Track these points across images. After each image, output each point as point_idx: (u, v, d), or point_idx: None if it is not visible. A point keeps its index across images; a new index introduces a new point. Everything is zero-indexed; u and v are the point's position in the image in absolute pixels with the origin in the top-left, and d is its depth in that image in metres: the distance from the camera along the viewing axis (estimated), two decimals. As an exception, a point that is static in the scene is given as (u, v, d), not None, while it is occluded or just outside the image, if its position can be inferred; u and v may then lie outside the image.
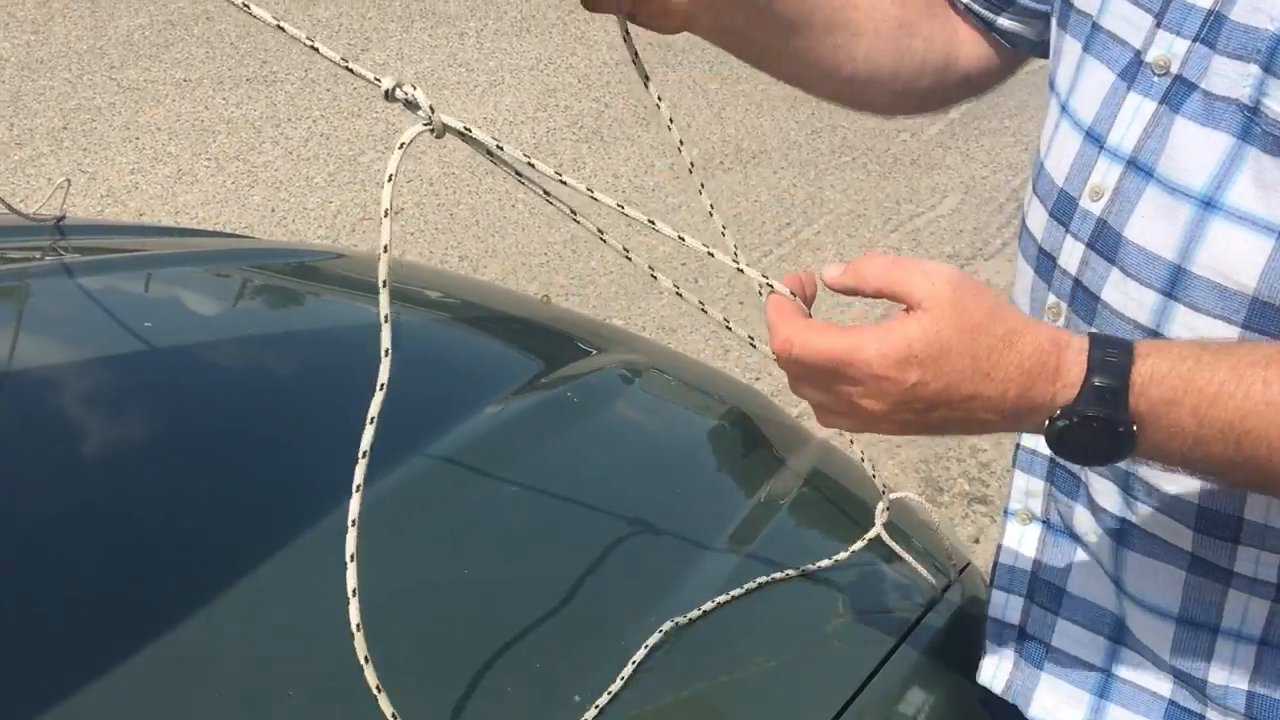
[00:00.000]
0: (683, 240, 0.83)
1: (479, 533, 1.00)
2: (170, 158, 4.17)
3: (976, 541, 2.38)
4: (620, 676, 0.84)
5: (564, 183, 0.76)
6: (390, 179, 0.67)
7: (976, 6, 1.02)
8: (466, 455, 1.07)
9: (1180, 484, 0.81)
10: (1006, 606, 0.93)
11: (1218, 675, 0.83)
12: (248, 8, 0.65)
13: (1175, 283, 0.77)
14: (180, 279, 1.47)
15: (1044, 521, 0.91)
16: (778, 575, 0.99)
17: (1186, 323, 0.77)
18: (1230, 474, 0.71)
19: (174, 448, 1.07)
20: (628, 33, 0.83)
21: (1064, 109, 0.87)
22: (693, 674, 0.89)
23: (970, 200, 3.91)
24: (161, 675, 0.81)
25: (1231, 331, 0.75)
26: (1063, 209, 0.85)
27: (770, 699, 0.90)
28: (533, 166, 0.76)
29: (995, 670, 0.94)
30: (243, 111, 4.50)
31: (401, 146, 0.67)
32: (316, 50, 0.66)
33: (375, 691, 0.73)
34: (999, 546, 0.94)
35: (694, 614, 0.92)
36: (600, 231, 0.78)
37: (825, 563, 1.00)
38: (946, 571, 1.06)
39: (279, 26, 0.67)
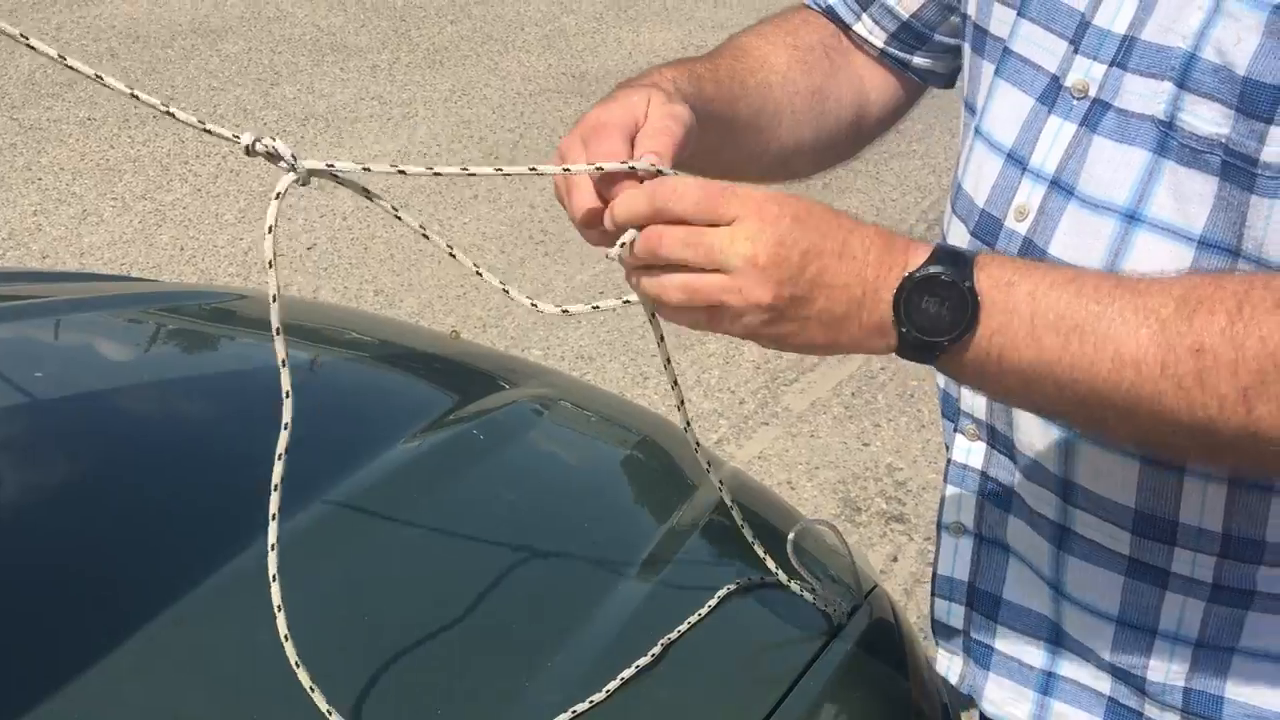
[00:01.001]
0: (453, 254, 0.83)
1: (385, 573, 0.99)
2: (75, 198, 4.08)
3: (895, 560, 2.41)
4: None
5: (398, 218, 0.76)
6: (270, 230, 0.67)
7: (892, 50, 1.04)
8: (372, 495, 1.06)
9: (1117, 488, 0.83)
10: (949, 614, 0.97)
11: (1156, 673, 0.86)
12: (100, 78, 0.65)
13: None
14: (77, 325, 1.44)
15: (976, 534, 0.94)
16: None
17: None
18: (1062, 384, 0.69)
19: (72, 494, 1.05)
20: (653, 316, 0.81)
21: (979, 132, 0.89)
22: (604, 703, 0.89)
23: (881, 222, 3.93)
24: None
25: None
26: (986, 229, 0.86)
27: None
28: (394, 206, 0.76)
29: (949, 665, 0.99)
30: (149, 149, 4.42)
31: (278, 196, 0.67)
32: (172, 115, 0.66)
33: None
34: (936, 557, 0.98)
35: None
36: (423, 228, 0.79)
37: (732, 589, 1.00)
38: (854, 595, 1.07)
39: (133, 95, 0.66)
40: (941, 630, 0.99)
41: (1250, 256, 0.74)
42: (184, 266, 3.66)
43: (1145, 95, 0.77)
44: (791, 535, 0.97)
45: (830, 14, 1.05)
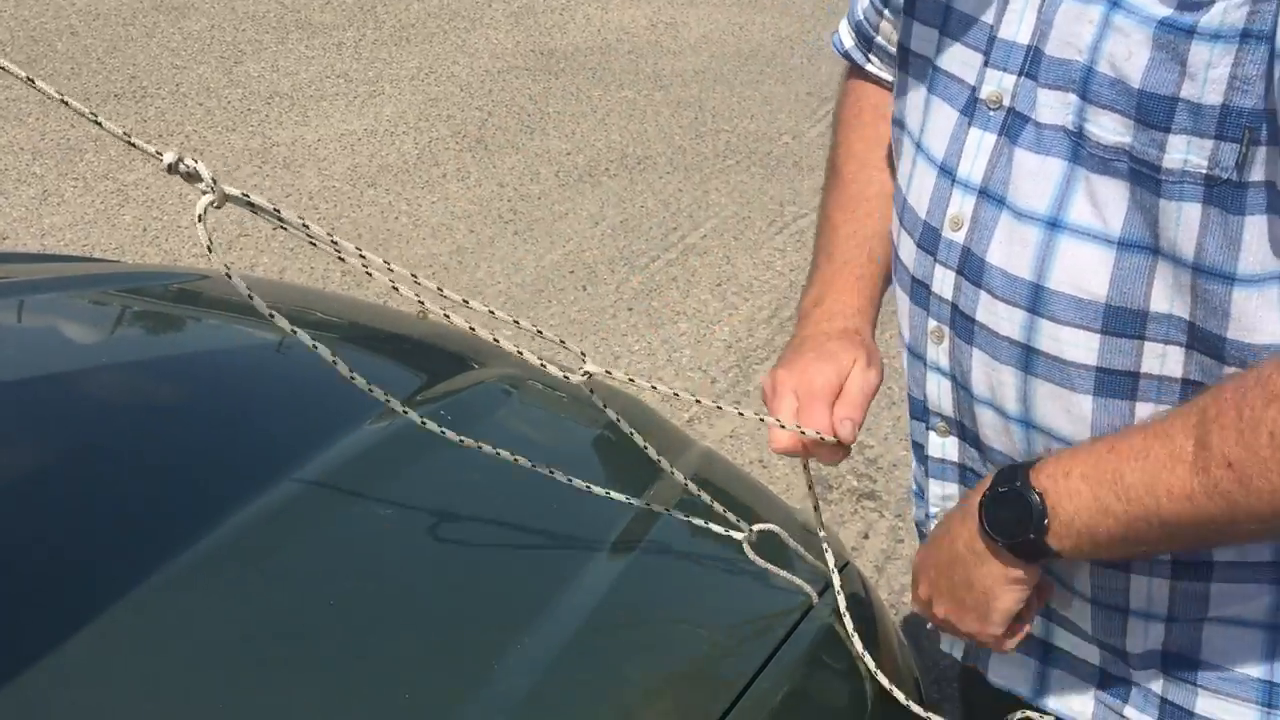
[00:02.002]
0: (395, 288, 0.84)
1: (350, 555, 0.98)
2: (35, 178, 4.02)
3: (865, 537, 2.42)
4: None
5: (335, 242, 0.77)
6: (209, 249, 0.67)
7: (871, 69, 1.10)
8: (337, 477, 1.05)
9: None
10: None
11: (1134, 646, 0.90)
12: (31, 81, 0.64)
13: (1037, 300, 0.83)
14: (37, 306, 1.41)
15: None
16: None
17: (1052, 334, 0.83)
18: (1150, 531, 0.77)
19: (33, 477, 1.03)
20: (811, 485, 1.04)
21: (919, 147, 0.92)
22: (573, 686, 0.88)
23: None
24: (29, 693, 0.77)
25: (1093, 339, 0.81)
26: (929, 240, 0.91)
27: (654, 707, 0.90)
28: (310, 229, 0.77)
29: (954, 640, 1.02)
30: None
31: (200, 220, 0.68)
32: (100, 124, 0.66)
33: None
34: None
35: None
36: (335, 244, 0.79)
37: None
38: (826, 572, 1.06)
39: (63, 101, 0.67)
40: None
41: (1167, 254, 0.77)
42: (147, 247, 3.62)
43: (1055, 107, 0.80)
44: (744, 536, 0.97)
45: (848, 58, 1.12)
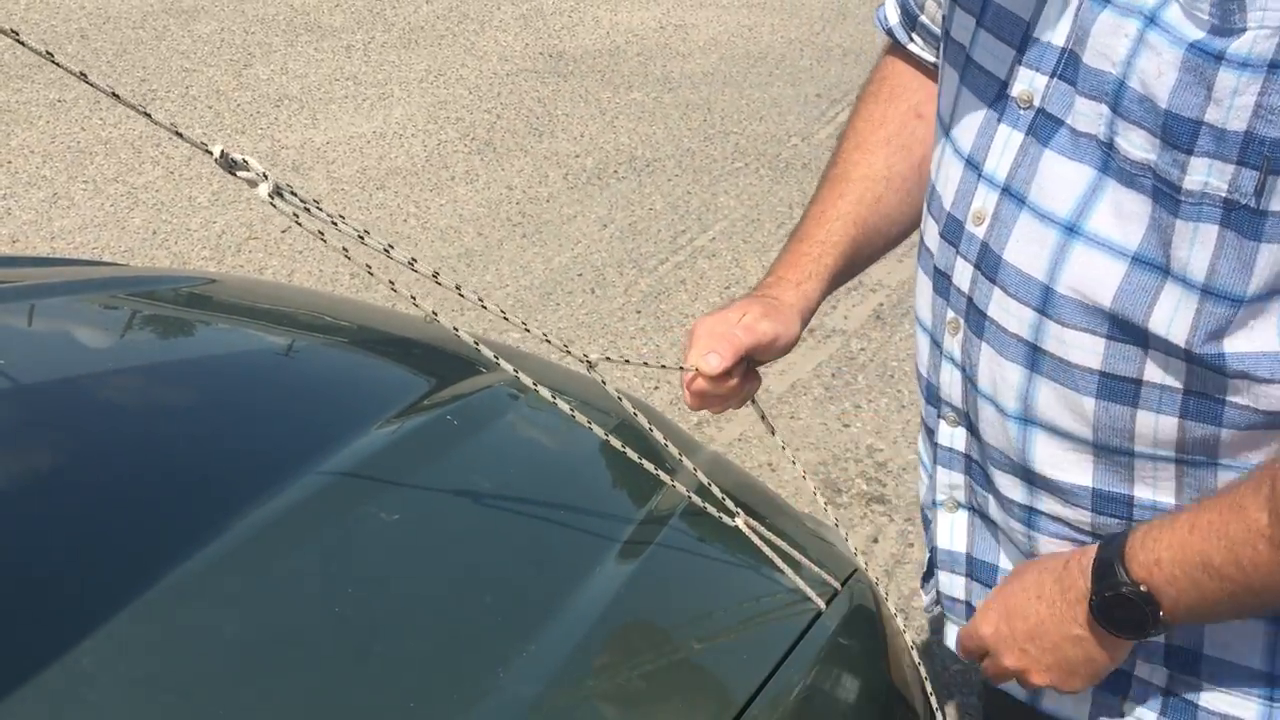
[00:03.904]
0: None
1: (358, 560, 0.98)
2: (45, 181, 4.03)
3: (875, 541, 2.41)
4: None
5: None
6: (297, 221, 0.67)
7: (913, 49, 1.09)
8: (345, 481, 1.04)
9: (1071, 472, 0.88)
10: (952, 585, 1.03)
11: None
12: (50, 55, 0.64)
13: (1046, 301, 0.84)
14: (47, 310, 1.41)
15: (969, 508, 0.99)
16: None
17: (1058, 336, 0.84)
18: (1247, 599, 0.80)
19: (42, 480, 1.03)
20: (764, 415, 1.07)
21: (948, 136, 0.93)
22: (579, 693, 0.87)
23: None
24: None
25: (1098, 343, 0.82)
26: (952, 231, 0.91)
27: (661, 714, 0.89)
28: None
29: (956, 638, 1.02)
30: (121, 131, 4.36)
31: (271, 201, 0.68)
32: (149, 117, 0.67)
33: None
34: (934, 533, 1.03)
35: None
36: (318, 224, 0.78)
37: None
38: (835, 578, 1.06)
39: (113, 93, 0.67)
40: (947, 604, 1.04)
41: (1177, 276, 0.77)
42: (156, 250, 3.62)
43: (1089, 116, 0.80)
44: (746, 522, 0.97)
45: (890, 35, 1.11)
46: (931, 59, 1.07)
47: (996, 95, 0.87)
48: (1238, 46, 0.71)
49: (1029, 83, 0.84)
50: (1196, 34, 0.73)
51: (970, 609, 1.02)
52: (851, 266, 1.09)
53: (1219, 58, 0.71)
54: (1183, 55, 0.73)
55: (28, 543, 0.94)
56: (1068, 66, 0.81)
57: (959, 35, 0.92)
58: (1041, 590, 0.88)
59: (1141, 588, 0.82)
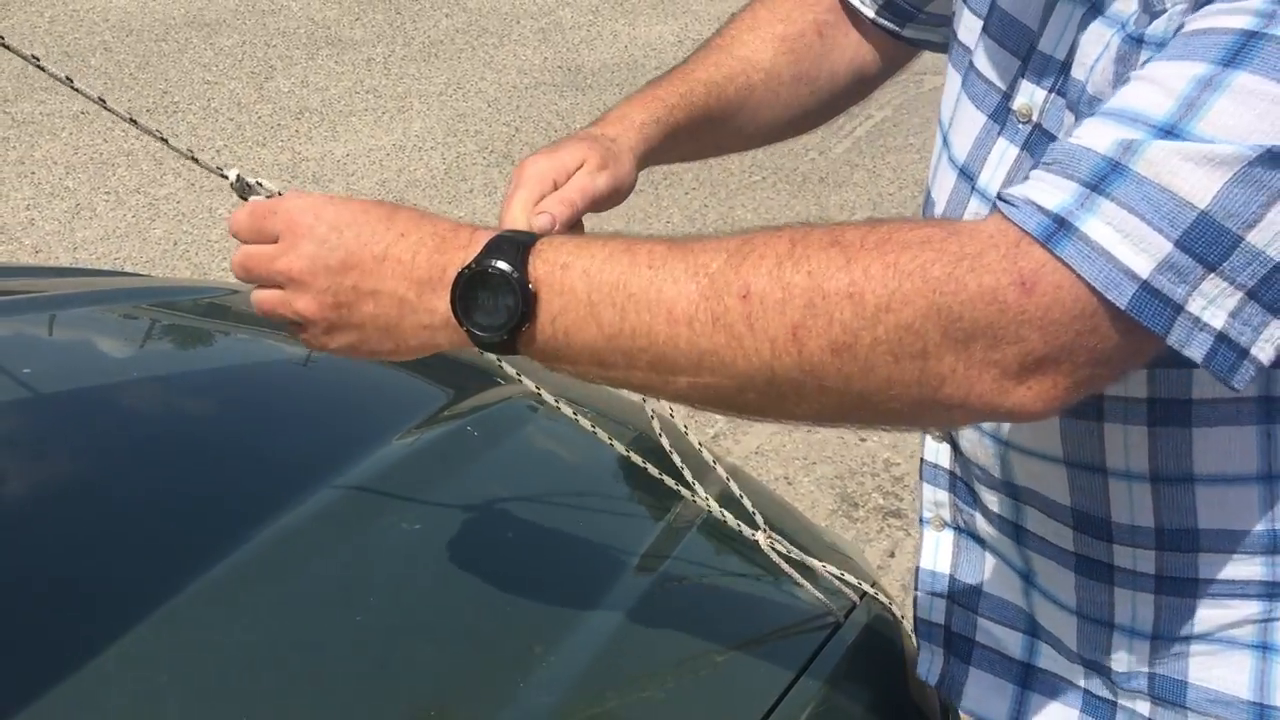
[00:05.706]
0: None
1: (378, 571, 0.98)
2: (68, 192, 4.06)
3: (892, 556, 2.40)
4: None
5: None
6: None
7: (882, 21, 1.05)
8: (366, 492, 1.05)
9: (1054, 487, 0.85)
10: (931, 608, 0.98)
11: (1119, 664, 0.87)
12: (69, 80, 0.67)
13: None
14: (69, 321, 1.43)
15: (955, 528, 0.96)
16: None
17: None
18: (629, 355, 0.69)
19: (65, 490, 1.04)
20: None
21: (945, 141, 0.90)
22: (597, 705, 0.88)
23: (878, 216, 3.97)
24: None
25: None
26: None
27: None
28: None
29: (930, 665, 0.99)
30: (143, 143, 4.40)
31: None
32: (166, 143, 0.68)
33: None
34: (919, 552, 0.99)
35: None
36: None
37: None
38: (852, 595, 1.06)
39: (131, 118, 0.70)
40: (923, 629, 0.99)
41: None
42: (177, 260, 3.65)
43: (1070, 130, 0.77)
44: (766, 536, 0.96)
45: None
46: (869, 15, 1.04)
47: (997, 107, 0.84)
48: (1154, 27, 0.69)
49: (1029, 96, 0.81)
50: (1135, 28, 0.71)
51: (949, 634, 0.97)
52: (696, 140, 0.99)
53: (1139, 41, 0.70)
54: (1118, 46, 0.71)
55: (50, 552, 0.95)
56: (1063, 80, 0.79)
57: (965, 38, 0.89)
58: (408, 227, 0.73)
59: (530, 285, 0.69)
